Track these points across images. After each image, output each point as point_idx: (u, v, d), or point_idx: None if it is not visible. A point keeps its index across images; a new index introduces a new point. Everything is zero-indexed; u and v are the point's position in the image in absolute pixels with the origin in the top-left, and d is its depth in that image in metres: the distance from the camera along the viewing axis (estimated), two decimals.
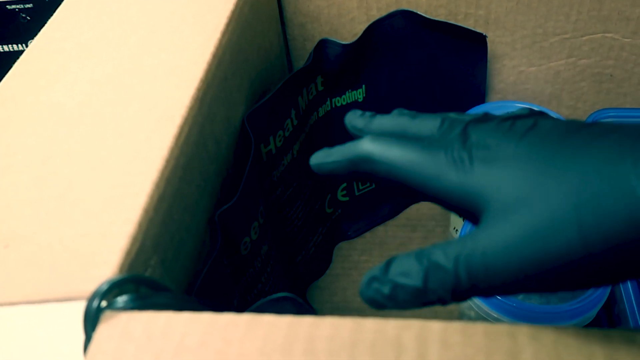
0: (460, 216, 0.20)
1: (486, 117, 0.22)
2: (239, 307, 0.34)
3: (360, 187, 0.52)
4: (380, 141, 0.22)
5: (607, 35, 0.44)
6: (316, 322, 0.20)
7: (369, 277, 0.21)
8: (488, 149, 0.20)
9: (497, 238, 0.19)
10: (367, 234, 0.54)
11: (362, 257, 0.53)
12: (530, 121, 0.21)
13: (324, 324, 0.20)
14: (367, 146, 0.22)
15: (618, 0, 0.42)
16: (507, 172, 0.20)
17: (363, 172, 0.23)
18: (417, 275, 0.20)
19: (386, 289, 0.20)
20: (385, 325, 0.20)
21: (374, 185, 0.52)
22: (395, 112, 0.25)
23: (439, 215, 0.55)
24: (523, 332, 0.19)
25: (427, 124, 0.23)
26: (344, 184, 0.51)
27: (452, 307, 0.49)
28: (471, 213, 0.20)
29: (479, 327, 0.19)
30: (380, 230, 0.55)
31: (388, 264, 0.21)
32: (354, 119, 0.26)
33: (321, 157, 0.24)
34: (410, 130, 0.23)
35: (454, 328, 0.19)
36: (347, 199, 0.52)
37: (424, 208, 0.56)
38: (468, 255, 0.19)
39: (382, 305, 0.21)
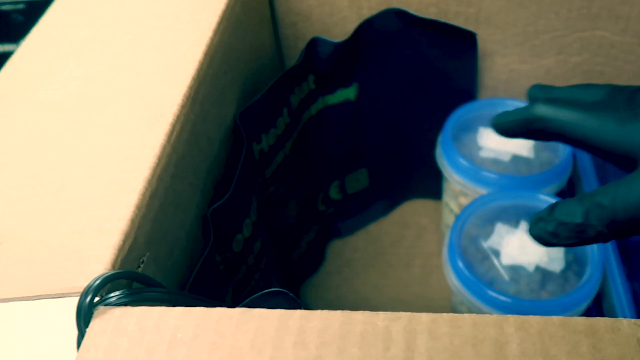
0: (618, 166, 0.25)
1: None
2: (232, 303, 0.34)
3: (353, 185, 0.52)
4: (551, 104, 0.26)
5: (597, 32, 0.45)
6: (307, 315, 0.21)
7: (535, 218, 0.24)
8: None
9: None
10: (360, 232, 0.55)
11: (355, 254, 0.53)
12: None
13: (314, 316, 0.21)
14: (540, 108, 0.26)
15: None
16: None
17: (535, 129, 0.26)
18: (579, 213, 0.23)
19: (550, 226, 0.23)
20: (374, 318, 0.20)
21: (367, 183, 0.53)
22: (570, 86, 0.29)
23: (432, 212, 0.55)
24: (510, 322, 0.19)
25: (597, 91, 0.27)
26: (337, 182, 0.51)
27: (445, 303, 0.49)
28: (627, 161, 0.24)
29: (466, 318, 0.20)
30: (373, 227, 0.55)
31: (553, 206, 0.24)
32: (535, 91, 0.30)
33: (501, 117, 0.28)
34: (581, 97, 0.27)
35: (443, 319, 0.20)
36: (340, 196, 0.52)
37: (417, 205, 0.56)
38: (625, 193, 0.22)
39: (547, 242, 0.24)
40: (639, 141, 0.24)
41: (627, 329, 0.19)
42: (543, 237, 0.24)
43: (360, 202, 0.54)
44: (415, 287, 0.50)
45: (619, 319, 0.19)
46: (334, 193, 0.52)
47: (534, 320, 0.19)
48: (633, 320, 0.19)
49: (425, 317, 0.20)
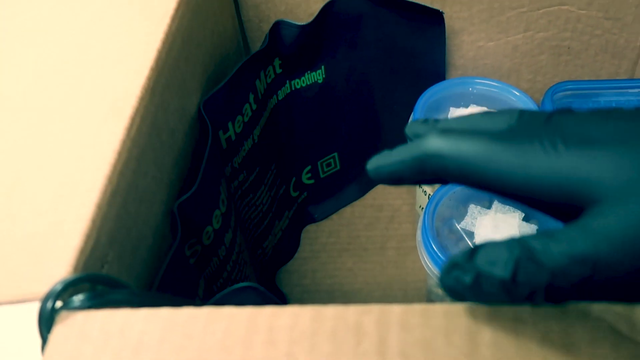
0: (548, 213, 0.19)
1: (571, 110, 0.20)
2: (205, 297, 0.33)
3: (325, 169, 0.52)
4: (448, 135, 0.19)
5: (563, 7, 0.44)
6: (276, 312, 0.20)
7: (450, 263, 0.18)
8: (583, 133, 0.18)
9: (613, 228, 0.16)
10: (334, 216, 0.54)
11: (329, 239, 0.53)
12: (628, 109, 0.19)
13: (284, 313, 0.20)
14: (434, 142, 0.19)
15: None
16: (613, 152, 0.17)
17: (431, 172, 0.20)
18: (506, 265, 0.17)
19: (468, 278, 0.18)
20: (345, 312, 0.20)
21: (339, 167, 0.52)
22: (463, 116, 0.22)
23: (405, 193, 0.55)
24: (481, 312, 0.19)
25: (502, 118, 0.20)
26: (309, 167, 0.50)
27: (421, 284, 0.49)
28: (566, 205, 0.18)
29: (438, 308, 0.19)
30: (347, 211, 0.55)
31: (474, 250, 0.18)
32: (416, 127, 0.23)
33: (380, 160, 0.21)
34: (482, 126, 0.21)
35: (414, 310, 0.19)
36: (312, 181, 0.52)
37: (390, 187, 0.56)
38: (571, 248, 0.16)
39: (463, 297, 0.18)
40: (580, 174, 0.17)
41: (598, 313, 0.19)
42: (458, 292, 0.18)
43: (333, 186, 0.53)
44: (391, 270, 0.50)
45: (590, 303, 0.19)
46: (306, 178, 0.51)
47: (505, 307, 0.19)
48: (604, 304, 0.19)
49: (396, 308, 0.20)
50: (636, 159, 0.17)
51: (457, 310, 0.19)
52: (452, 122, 0.22)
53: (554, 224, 0.37)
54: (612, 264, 0.16)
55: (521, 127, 0.20)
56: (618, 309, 0.19)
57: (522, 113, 0.20)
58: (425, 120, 0.23)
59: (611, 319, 0.18)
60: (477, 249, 0.18)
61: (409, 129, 0.23)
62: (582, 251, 0.16)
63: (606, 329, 0.18)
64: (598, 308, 0.19)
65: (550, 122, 0.19)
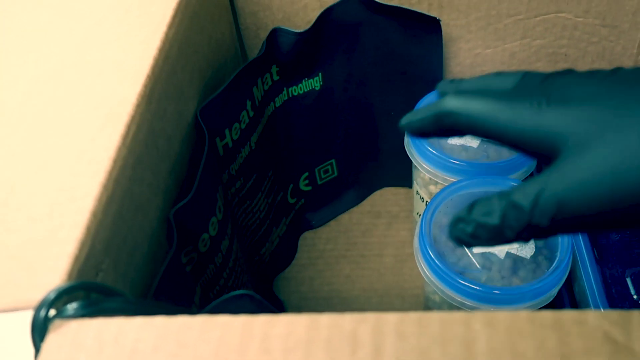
0: (537, 160, 0.24)
1: (569, 71, 0.23)
2: (201, 304, 0.33)
3: (323, 176, 0.52)
4: (460, 96, 0.24)
5: (560, 15, 0.45)
6: (271, 320, 0.20)
7: (455, 218, 0.22)
8: (566, 92, 0.22)
9: (572, 175, 0.20)
10: (332, 223, 0.54)
11: (327, 245, 0.53)
12: (612, 70, 0.22)
13: (279, 322, 0.20)
14: (448, 102, 0.24)
15: None
16: (583, 110, 0.21)
17: (447, 126, 0.24)
18: (496, 214, 0.21)
19: (469, 228, 0.22)
20: (341, 320, 0.20)
21: (336, 174, 0.52)
22: (480, 76, 0.27)
23: (402, 200, 0.55)
24: (477, 319, 0.19)
25: (508, 79, 0.24)
26: (306, 173, 0.50)
27: (419, 291, 0.49)
28: (546, 155, 0.22)
29: (434, 317, 0.19)
30: (344, 218, 0.54)
31: (472, 205, 0.22)
32: (443, 86, 0.27)
33: (409, 117, 0.26)
34: (492, 86, 0.25)
35: (410, 319, 0.19)
36: (309, 188, 0.52)
37: (388, 194, 0.56)
38: (542, 193, 0.20)
39: (467, 244, 0.22)
40: (555, 129, 0.21)
41: (593, 321, 0.18)
42: (463, 240, 0.22)
43: (331, 193, 0.53)
44: (389, 277, 0.50)
45: (585, 311, 0.19)
46: (304, 185, 0.51)
47: (501, 316, 0.19)
48: (599, 312, 0.19)
49: (392, 317, 0.19)
50: (599, 115, 0.20)
51: (452, 319, 0.19)
52: (469, 83, 0.26)
53: None
54: (574, 200, 0.20)
55: (520, 87, 0.23)
56: (614, 317, 0.19)
57: (525, 75, 0.24)
58: (452, 81, 0.27)
59: (607, 328, 0.18)
60: (474, 203, 0.22)
61: (439, 87, 0.27)
62: (550, 192, 0.20)
63: (602, 338, 0.18)
64: (594, 316, 0.19)
65: (543, 83, 0.23)
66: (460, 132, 0.24)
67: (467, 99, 0.23)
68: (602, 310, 0.34)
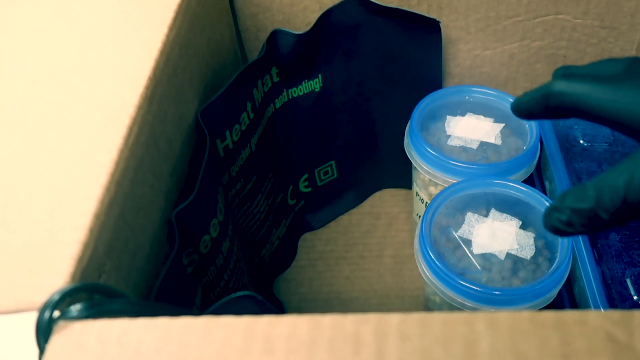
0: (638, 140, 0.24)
1: None
2: (202, 306, 0.33)
3: (323, 177, 0.52)
4: (569, 78, 0.25)
5: (558, 16, 0.45)
6: (274, 321, 0.20)
7: (549, 209, 0.23)
8: None
9: None
10: (332, 224, 0.54)
11: (327, 247, 0.53)
12: None
13: (281, 322, 0.20)
14: (557, 83, 0.25)
15: None
16: None
17: (553, 107, 0.26)
18: (590, 198, 0.22)
19: (564, 216, 0.23)
20: (343, 321, 0.20)
21: (336, 175, 0.52)
22: (591, 63, 0.28)
23: (402, 201, 0.55)
24: (480, 320, 0.19)
25: (617, 64, 0.26)
26: (306, 175, 0.51)
27: (419, 292, 0.49)
28: None
29: (436, 317, 0.19)
30: (344, 219, 0.55)
31: (564, 194, 0.23)
32: (557, 70, 0.29)
33: (520, 98, 0.27)
34: (600, 71, 0.26)
35: (412, 319, 0.19)
36: (309, 189, 0.52)
37: (387, 195, 0.56)
38: (637, 170, 0.21)
39: (563, 232, 0.23)
40: None
41: (594, 320, 0.19)
42: (559, 228, 0.23)
43: (330, 194, 0.53)
44: (388, 278, 0.50)
45: (586, 311, 0.19)
46: (304, 186, 0.51)
47: (503, 316, 0.19)
48: (601, 312, 0.19)
49: (394, 318, 0.20)
50: None
51: (455, 319, 0.19)
52: (579, 68, 0.28)
53: (550, 233, 0.37)
54: None
55: (629, 70, 0.25)
56: (615, 316, 0.19)
57: (635, 60, 0.25)
58: (566, 66, 0.29)
59: (609, 327, 0.18)
60: (566, 192, 0.23)
61: (554, 72, 0.28)
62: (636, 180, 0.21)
63: (604, 338, 0.18)
64: (595, 316, 0.19)
65: None
66: (565, 114, 0.25)
67: (575, 80, 0.25)
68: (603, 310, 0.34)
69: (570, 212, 0.22)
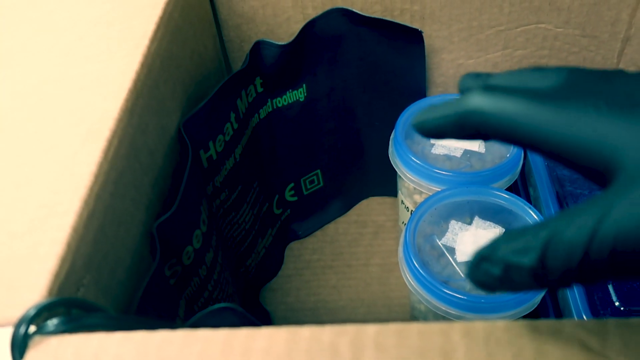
0: (584, 176, 0.19)
1: (620, 71, 0.20)
2: (186, 317, 0.33)
3: (309, 186, 0.52)
4: (491, 93, 0.20)
5: (540, 25, 0.45)
6: (252, 333, 0.20)
7: (477, 257, 0.18)
8: (632, 95, 0.18)
9: (630, 204, 0.16)
10: (318, 233, 0.54)
11: (313, 256, 0.53)
12: None
13: (259, 335, 0.20)
14: (476, 99, 0.20)
15: None
16: None
17: (471, 127, 0.20)
18: (533, 251, 0.17)
19: (497, 270, 0.18)
20: (320, 333, 0.20)
21: (322, 184, 0.52)
22: (511, 71, 0.22)
23: (388, 210, 0.55)
24: (455, 330, 0.19)
25: (550, 75, 0.20)
26: (292, 184, 0.51)
27: (405, 301, 0.49)
28: (596, 171, 0.18)
29: (413, 328, 0.19)
30: (330, 228, 0.55)
31: (497, 241, 0.18)
32: (466, 81, 0.23)
33: (425, 115, 0.21)
34: (530, 83, 0.21)
35: (389, 330, 0.20)
36: (295, 198, 0.52)
37: (374, 203, 0.56)
38: (603, 220, 0.16)
39: (494, 289, 0.18)
40: (617, 141, 0.17)
41: (570, 330, 0.19)
42: (488, 284, 0.18)
43: (316, 203, 0.53)
44: (375, 286, 0.50)
45: (561, 320, 0.19)
46: (290, 195, 0.51)
47: (479, 326, 0.19)
48: (576, 321, 0.19)
49: (371, 329, 0.20)
50: None
51: (431, 330, 0.19)
52: (500, 78, 0.22)
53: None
54: (632, 241, 0.16)
55: (568, 85, 0.19)
56: (589, 325, 0.19)
57: (572, 71, 0.20)
58: (478, 75, 0.23)
59: (583, 336, 0.19)
60: (500, 239, 0.18)
61: (461, 83, 0.23)
62: (613, 221, 0.16)
63: (578, 347, 0.18)
64: (569, 325, 0.19)
65: (598, 83, 0.19)
66: (484, 136, 0.20)
67: (499, 97, 0.19)
68: (584, 317, 0.34)
69: (504, 266, 0.17)
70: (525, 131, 0.19)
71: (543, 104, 0.19)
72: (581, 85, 0.19)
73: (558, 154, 0.18)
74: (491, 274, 0.18)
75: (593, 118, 0.18)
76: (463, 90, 0.23)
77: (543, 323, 0.19)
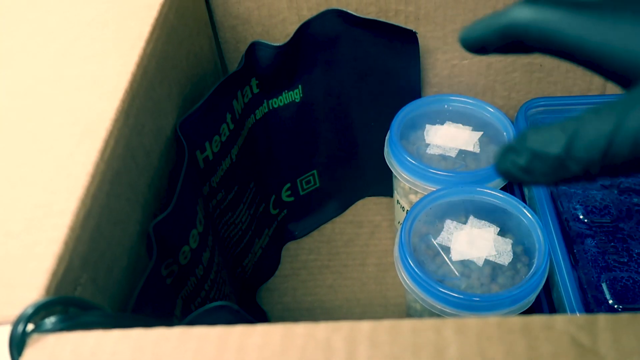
0: (612, 80, 0.19)
1: None
2: (183, 316, 0.33)
3: (305, 187, 0.52)
4: (534, 5, 0.20)
5: None
6: (247, 330, 0.20)
7: (505, 148, 0.19)
8: None
9: None
10: (315, 233, 0.54)
11: (310, 256, 0.53)
12: None
13: (254, 332, 0.20)
14: (519, 11, 0.20)
15: None
16: None
17: (515, 38, 0.20)
18: (559, 142, 0.18)
19: (523, 160, 0.18)
20: (315, 329, 0.20)
21: (318, 184, 0.53)
22: None
23: (384, 210, 0.56)
24: (448, 326, 0.19)
25: None
26: (288, 184, 0.51)
27: (402, 300, 0.50)
28: (628, 78, 0.19)
29: (406, 324, 0.20)
30: (327, 228, 0.55)
31: (525, 133, 0.19)
32: None
33: (468, 30, 0.22)
34: None
35: (383, 327, 0.20)
36: (292, 199, 0.52)
37: (370, 204, 0.56)
38: (625, 116, 0.17)
39: (518, 179, 0.19)
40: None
41: (561, 325, 0.19)
42: (512, 174, 0.19)
43: (313, 203, 0.53)
44: (371, 286, 0.50)
45: (553, 316, 0.19)
46: (286, 196, 0.51)
47: (471, 322, 0.19)
48: (567, 316, 0.19)
49: (365, 325, 0.20)
50: None
51: (424, 326, 0.20)
52: None
53: (528, 239, 0.38)
54: None
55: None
56: (580, 321, 0.19)
57: None
58: None
59: (574, 332, 0.19)
60: (528, 131, 0.19)
61: None
62: (629, 122, 0.17)
63: (569, 342, 0.19)
64: (561, 320, 0.19)
65: None
66: (528, 49, 0.20)
67: (542, 7, 0.20)
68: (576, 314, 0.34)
69: (531, 156, 0.18)
70: (570, 42, 0.19)
71: (583, 13, 0.19)
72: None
73: (592, 62, 0.19)
74: (516, 163, 0.19)
75: (630, 27, 0.18)
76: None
77: (535, 319, 0.19)
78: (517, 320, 0.19)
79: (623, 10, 0.19)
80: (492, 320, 0.19)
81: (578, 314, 0.34)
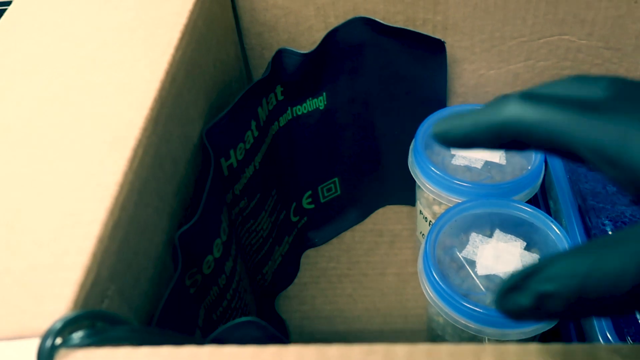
0: (626, 190, 0.17)
1: None
2: (204, 326, 0.33)
3: (326, 194, 0.52)
4: (532, 102, 0.18)
5: (563, 37, 0.45)
6: (279, 351, 0.20)
7: (504, 289, 0.17)
8: None
9: None
10: (334, 241, 0.54)
11: (329, 264, 0.53)
12: None
13: (287, 353, 0.20)
14: (516, 108, 0.18)
15: (572, 3, 0.42)
16: None
17: (510, 137, 0.19)
18: (575, 278, 0.16)
19: (527, 299, 0.17)
20: (349, 352, 0.19)
21: (339, 192, 0.52)
22: (548, 82, 0.21)
23: (405, 219, 0.55)
24: (487, 352, 0.19)
25: (595, 85, 0.19)
26: (309, 192, 0.50)
27: (422, 311, 0.49)
28: None
29: (443, 349, 0.19)
30: (347, 236, 0.54)
31: (532, 270, 0.17)
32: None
33: (447, 124, 0.20)
34: (571, 93, 0.19)
35: (420, 351, 0.19)
36: (312, 206, 0.51)
37: (390, 212, 0.56)
38: None
39: (525, 318, 0.17)
40: None
41: (604, 355, 0.18)
42: (519, 313, 0.17)
43: (333, 211, 0.53)
44: (391, 296, 0.50)
45: (595, 344, 0.19)
46: (307, 203, 0.51)
47: (512, 349, 0.19)
48: (611, 345, 0.19)
49: (401, 349, 0.19)
50: None
51: (462, 351, 0.19)
52: (536, 89, 0.20)
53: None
54: None
55: (614, 97, 0.18)
56: (625, 350, 0.18)
57: (614, 81, 0.19)
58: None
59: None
60: (534, 268, 0.17)
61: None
62: None
63: None
64: (605, 350, 0.18)
65: None
66: (521, 145, 0.19)
67: (544, 106, 0.18)
68: (610, 338, 0.34)
69: (539, 295, 0.16)
70: (575, 142, 0.17)
71: (592, 115, 0.17)
72: (628, 97, 0.18)
73: (602, 165, 0.17)
74: (520, 303, 0.17)
75: None
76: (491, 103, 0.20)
77: (577, 347, 0.19)
78: (560, 349, 0.19)
79: (634, 110, 0.17)
80: (532, 347, 0.19)
81: (613, 339, 0.33)
